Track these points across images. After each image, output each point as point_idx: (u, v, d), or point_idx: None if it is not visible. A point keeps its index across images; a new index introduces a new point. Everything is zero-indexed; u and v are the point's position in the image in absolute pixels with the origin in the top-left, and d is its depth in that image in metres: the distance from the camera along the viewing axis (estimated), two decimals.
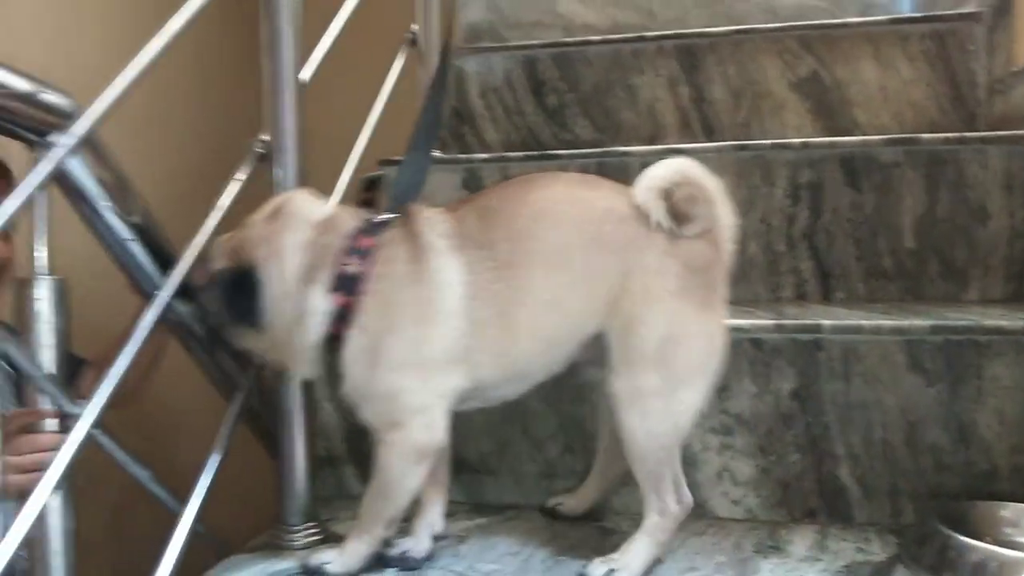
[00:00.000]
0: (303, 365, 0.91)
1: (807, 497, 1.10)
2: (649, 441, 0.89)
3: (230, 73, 2.36)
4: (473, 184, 1.51)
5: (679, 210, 0.89)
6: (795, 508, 1.11)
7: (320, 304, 0.86)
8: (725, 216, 0.91)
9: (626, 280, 0.88)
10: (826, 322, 1.08)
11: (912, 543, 0.99)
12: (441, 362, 0.87)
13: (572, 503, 1.11)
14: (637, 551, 0.91)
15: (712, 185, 0.90)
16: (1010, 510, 0.99)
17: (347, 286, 0.86)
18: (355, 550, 0.94)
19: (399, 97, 1.66)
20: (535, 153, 1.59)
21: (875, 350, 1.07)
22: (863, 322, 1.08)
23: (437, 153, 1.68)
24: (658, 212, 0.88)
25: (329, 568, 0.94)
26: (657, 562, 0.94)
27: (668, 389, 0.88)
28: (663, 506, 0.91)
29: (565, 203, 0.91)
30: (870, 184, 1.34)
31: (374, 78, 1.64)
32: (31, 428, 0.90)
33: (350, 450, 1.26)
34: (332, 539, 1.06)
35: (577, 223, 0.89)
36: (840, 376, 1.08)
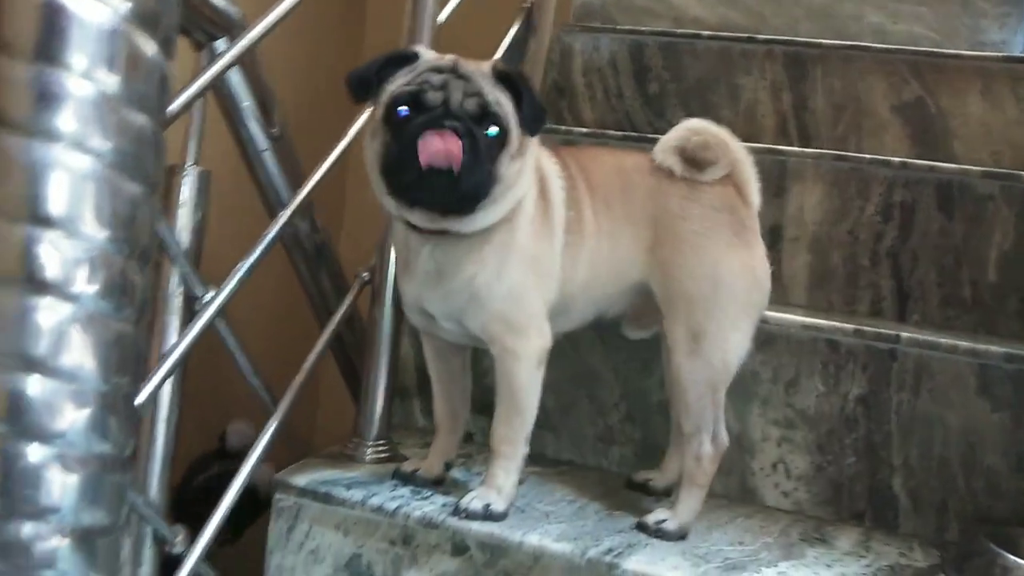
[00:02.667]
0: None
1: (856, 500, 1.14)
2: (695, 383, 0.95)
3: (337, 13, 2.43)
4: None
5: (695, 158, 0.99)
6: (843, 509, 1.14)
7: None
8: (743, 160, 1.02)
9: (656, 228, 0.98)
10: (905, 334, 1.11)
11: (956, 557, 1.02)
12: (549, 272, 0.95)
13: (660, 480, 1.12)
14: (684, 500, 0.98)
15: (726, 135, 1.02)
16: None
17: None
18: (508, 480, 0.96)
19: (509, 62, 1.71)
20: (634, 134, 1.63)
21: (948, 369, 1.10)
22: (941, 340, 1.10)
23: None
24: (675, 164, 0.99)
25: (493, 508, 0.94)
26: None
27: (714, 327, 0.95)
28: (699, 450, 0.97)
29: (608, 155, 1.08)
30: (962, 213, 1.36)
31: (485, 43, 1.69)
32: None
33: (420, 385, 1.32)
34: (399, 458, 1.12)
35: (616, 170, 1.03)
36: (909, 389, 1.11)
